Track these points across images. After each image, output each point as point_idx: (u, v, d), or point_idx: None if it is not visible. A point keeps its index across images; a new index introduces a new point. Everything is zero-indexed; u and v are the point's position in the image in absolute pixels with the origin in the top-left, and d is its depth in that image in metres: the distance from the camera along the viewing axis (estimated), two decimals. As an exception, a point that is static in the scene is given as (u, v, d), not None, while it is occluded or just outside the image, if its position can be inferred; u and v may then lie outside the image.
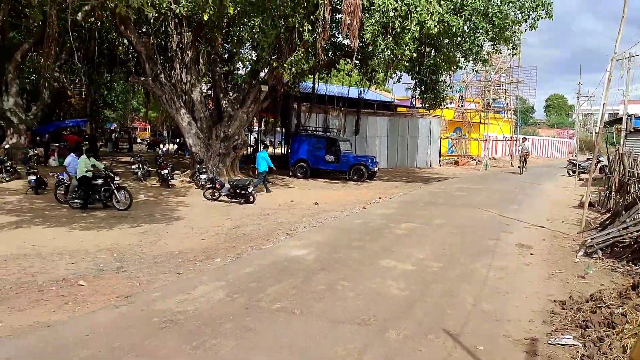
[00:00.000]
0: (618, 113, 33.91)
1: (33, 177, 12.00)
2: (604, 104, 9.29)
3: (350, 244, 7.59)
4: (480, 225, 9.51)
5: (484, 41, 15.59)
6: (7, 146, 17.23)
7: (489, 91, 36.65)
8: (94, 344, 3.73)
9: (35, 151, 17.17)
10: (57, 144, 19.45)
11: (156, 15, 13.60)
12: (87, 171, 10.35)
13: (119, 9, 7.51)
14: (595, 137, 26.76)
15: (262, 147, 17.17)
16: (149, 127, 41.74)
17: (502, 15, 14.22)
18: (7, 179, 13.65)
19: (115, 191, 10.52)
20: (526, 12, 14.70)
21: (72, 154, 11.57)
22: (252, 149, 26.78)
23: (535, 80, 37.70)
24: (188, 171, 16.54)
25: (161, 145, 29.14)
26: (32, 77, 24.89)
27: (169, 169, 14.50)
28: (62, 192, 11.10)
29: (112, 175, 10.67)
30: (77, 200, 10.37)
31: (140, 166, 15.52)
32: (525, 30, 15.47)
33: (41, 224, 8.85)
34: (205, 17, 11.58)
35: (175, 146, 30.61)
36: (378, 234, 8.44)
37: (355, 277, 5.76)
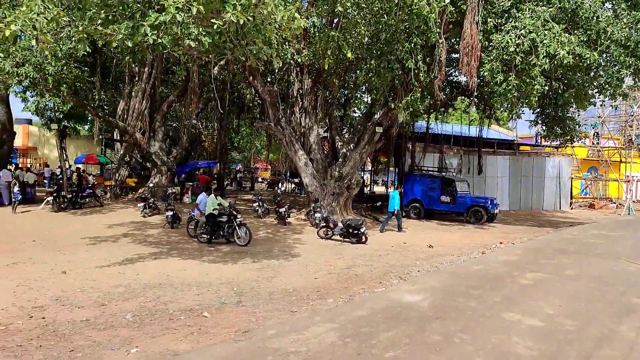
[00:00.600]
0: None
1: (170, 213, 13.45)
2: None
3: (467, 291, 7.10)
4: (624, 279, 8.26)
5: (625, 75, 13.95)
6: (151, 185, 19.67)
7: (630, 126, 32.73)
8: (214, 376, 3.93)
9: (173, 190, 19.33)
10: (191, 183, 21.71)
11: (280, 65, 14.80)
12: (213, 209, 11.32)
13: (250, 62, 8.27)
14: None
15: (395, 187, 17.54)
16: (269, 167, 44.63)
17: None
18: (149, 214, 15.49)
19: (237, 228, 11.30)
20: None
21: (203, 192, 12.79)
22: (366, 188, 26.98)
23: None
24: (303, 210, 17.18)
25: (280, 185, 30.92)
26: (174, 125, 28.39)
27: (286, 207, 15.22)
28: (193, 227, 12.25)
29: (235, 213, 11.50)
30: (205, 235, 11.35)
31: (261, 204, 16.54)
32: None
33: (175, 255, 9.81)
34: (326, 66, 12.25)
35: (293, 185, 32.15)
36: (499, 282, 7.78)
37: (475, 330, 5.33)
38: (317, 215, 14.31)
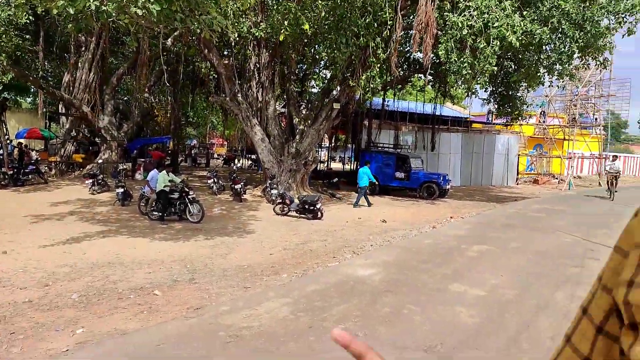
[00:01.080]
0: None
1: (121, 190, 13.00)
2: None
3: (418, 265, 7.34)
4: (563, 251, 8.80)
5: (574, 51, 14.39)
6: (100, 161, 18.88)
7: (575, 106, 34.32)
8: (163, 355, 3.90)
9: (124, 166, 18.64)
10: (143, 159, 21.00)
11: (237, 38, 14.40)
12: (165, 186, 11.03)
13: (204, 33, 7.98)
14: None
15: (364, 164, 17.77)
16: (226, 143, 43.85)
17: (594, 22, 13.19)
18: (98, 191, 14.91)
19: (189, 204, 11.09)
20: (622, 15, 13.55)
21: (155, 169, 12.42)
22: (323, 165, 27.10)
23: (628, 93, 34.68)
24: (260, 186, 17.06)
25: (236, 161, 30.43)
26: (124, 98, 27.21)
27: (242, 183, 15.06)
28: (144, 204, 11.91)
29: (187, 189, 11.27)
30: (156, 213, 11.08)
31: (216, 181, 16.28)
32: (623, 36, 14.21)
33: (125, 234, 9.53)
34: (281, 38, 12.01)
35: (249, 162, 31.81)
36: (448, 255, 8.10)
37: (423, 301, 5.54)
38: (274, 191, 14.27)
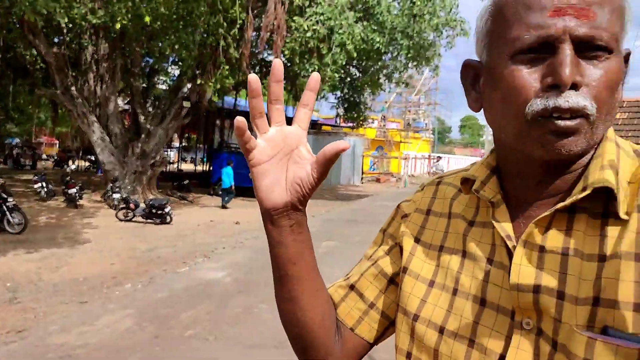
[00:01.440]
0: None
1: None
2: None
3: (269, 264, 7.48)
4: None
5: (406, 60, 16.16)
6: None
7: (409, 111, 38.59)
8: (-28, 389, 3.31)
9: None
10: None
11: (70, 25, 12.84)
12: None
13: (26, 15, 6.94)
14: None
15: (227, 164, 17.21)
16: (57, 142, 38.82)
17: (421, 35, 14.99)
18: None
19: (7, 213, 9.53)
20: (441, 30, 15.61)
21: None
22: (172, 165, 25.83)
23: (451, 102, 40.33)
24: (99, 190, 15.54)
25: (70, 162, 27.20)
26: None
27: (77, 187, 13.49)
28: None
29: (5, 195, 9.70)
30: None
31: (44, 185, 14.29)
32: (446, 49, 16.43)
33: None
34: (117, 27, 11.08)
35: (87, 163, 28.71)
36: (299, 253, 8.42)
37: (274, 299, 5.67)
38: (116, 196, 13.11)
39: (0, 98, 24.68)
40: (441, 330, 0.67)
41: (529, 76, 0.58)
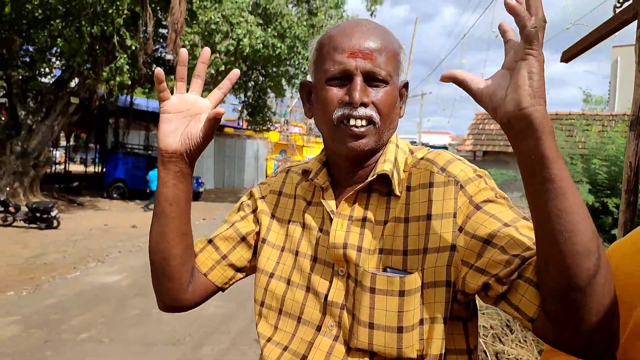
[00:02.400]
0: (415, 142, 40.24)
1: None
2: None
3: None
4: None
5: (306, 67, 16.83)
6: None
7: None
8: None
9: None
10: None
11: None
12: None
13: None
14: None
15: (152, 167, 16.22)
16: None
17: None
18: None
19: None
20: None
21: None
22: (59, 166, 23.74)
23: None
24: (-29, 192, 13.88)
25: None
26: None
27: (-58, 190, 11.97)
28: None
29: None
30: None
31: None
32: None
33: None
34: None
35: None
36: (199, 254, 8.43)
37: (173, 299, 5.70)
38: (-8, 198, 11.86)
39: None
40: (288, 282, 0.98)
41: (336, 94, 0.89)
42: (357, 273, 0.89)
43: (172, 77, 21.22)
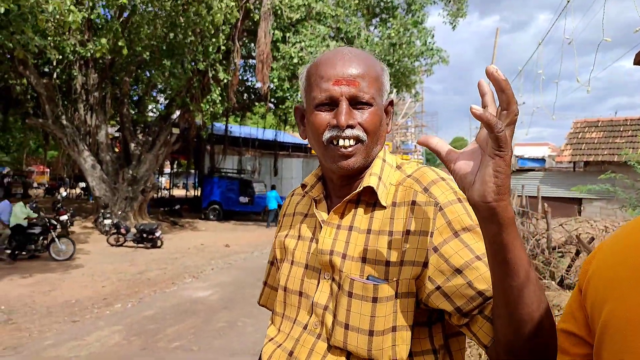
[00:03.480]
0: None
1: None
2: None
3: (256, 282, 7.79)
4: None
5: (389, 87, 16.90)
6: None
7: (397, 134, 39.26)
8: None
9: None
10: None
11: (59, 57, 13.30)
12: (24, 219, 10.12)
13: (16, 52, 7.36)
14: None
15: (272, 188, 18.11)
16: (48, 170, 38.91)
17: (401, 63, 15.70)
18: None
19: (56, 240, 10.07)
20: (418, 59, 16.36)
21: (5, 200, 11.04)
22: (164, 191, 25.97)
23: (437, 124, 41.25)
24: (91, 217, 15.77)
25: (61, 190, 27.41)
26: None
27: (68, 214, 13.72)
28: None
29: (55, 223, 10.40)
30: (8, 251, 9.87)
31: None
32: (426, 76, 17.24)
33: None
34: (98, 55, 11.55)
35: (79, 191, 28.83)
36: (284, 271, 8.72)
37: (257, 314, 5.98)
38: (107, 221, 13.37)
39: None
40: (285, 289, 1.08)
41: (324, 118, 0.98)
42: (341, 278, 0.96)
43: (262, 103, 22.60)
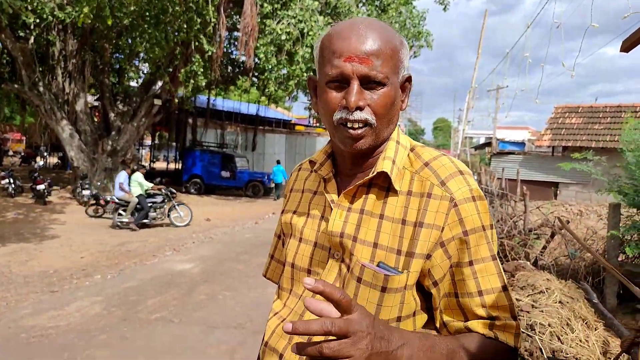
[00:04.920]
0: (491, 138, 38.29)
1: None
2: (463, 129, 10.68)
3: (237, 257, 7.83)
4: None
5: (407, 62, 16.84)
6: None
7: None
8: (-51, 365, 3.57)
9: None
10: None
11: (37, 21, 12.78)
12: (145, 190, 11.02)
13: (-11, 13, 7.03)
14: (465, 156, 29.99)
15: (277, 162, 18.13)
16: (24, 138, 37.87)
17: None
18: None
19: (176, 207, 11.02)
20: (411, 42, 16.27)
21: (123, 170, 11.65)
22: (144, 163, 25.55)
23: (421, 104, 41.31)
24: (69, 187, 15.49)
25: (38, 159, 26.78)
26: None
27: (45, 184, 13.46)
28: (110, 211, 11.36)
29: (173, 192, 11.08)
30: (127, 219, 10.63)
31: (11, 181, 14.18)
32: (410, 57, 17.20)
33: None
34: (79, 24, 11.17)
35: (56, 160, 28.20)
36: (266, 247, 8.73)
37: (237, 287, 6.04)
38: (86, 192, 13.16)
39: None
40: (292, 266, 1.08)
41: (335, 96, 0.95)
42: (351, 260, 0.96)
43: (245, 77, 22.27)
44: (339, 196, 1.02)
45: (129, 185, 10.91)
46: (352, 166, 1.03)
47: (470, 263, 0.92)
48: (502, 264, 4.90)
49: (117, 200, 10.92)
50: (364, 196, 1.00)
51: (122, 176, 11.28)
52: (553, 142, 18.81)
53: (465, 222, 0.92)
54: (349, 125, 0.94)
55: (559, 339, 3.32)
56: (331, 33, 0.97)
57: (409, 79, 1.03)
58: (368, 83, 0.93)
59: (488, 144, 29.60)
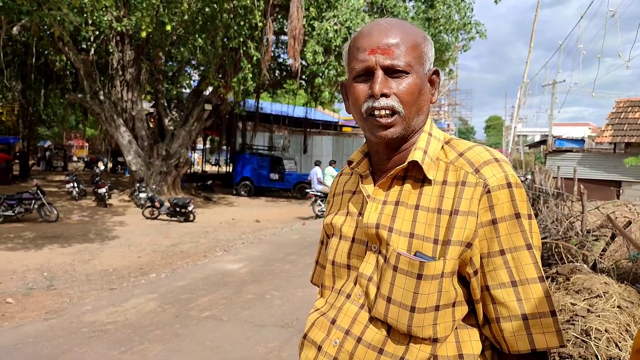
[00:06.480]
0: (546, 135, 36.57)
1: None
2: (515, 127, 10.27)
3: (285, 257, 7.95)
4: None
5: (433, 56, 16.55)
6: None
7: (430, 112, 38.52)
8: (22, 353, 3.85)
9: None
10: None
11: (96, 33, 13.60)
12: None
13: (53, 29, 7.56)
14: (518, 155, 28.74)
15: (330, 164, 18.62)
16: (87, 145, 40.29)
17: (436, 38, 15.27)
18: None
19: (46, 204, 10.90)
20: (457, 33, 15.84)
21: (316, 166, 13.13)
22: (196, 167, 26.47)
23: (471, 102, 40.15)
24: (127, 190, 16.31)
25: (99, 164, 28.31)
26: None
27: (106, 187, 14.27)
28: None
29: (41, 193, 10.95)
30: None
31: (75, 185, 15.14)
32: (460, 52, 16.74)
33: (-34, 244, 8.56)
34: (143, 35, 11.71)
35: (110, 165, 29.79)
36: (313, 247, 8.85)
37: (285, 287, 6.13)
38: (142, 195, 13.82)
39: (32, 103, 25.87)
40: (333, 263, 1.10)
41: (362, 89, 0.99)
42: (387, 251, 0.97)
43: (293, 81, 22.55)
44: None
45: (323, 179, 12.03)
46: (386, 160, 1.05)
47: (502, 252, 0.90)
48: (556, 266, 4.67)
49: (316, 193, 12.05)
50: (399, 188, 1.01)
51: (318, 172, 12.14)
52: (615, 139, 17.72)
53: (496, 210, 0.91)
54: (377, 113, 0.96)
55: (616, 345, 3.13)
56: (356, 34, 1.02)
57: (436, 72, 1.04)
58: (392, 72, 0.96)
59: (543, 141, 28.29)
